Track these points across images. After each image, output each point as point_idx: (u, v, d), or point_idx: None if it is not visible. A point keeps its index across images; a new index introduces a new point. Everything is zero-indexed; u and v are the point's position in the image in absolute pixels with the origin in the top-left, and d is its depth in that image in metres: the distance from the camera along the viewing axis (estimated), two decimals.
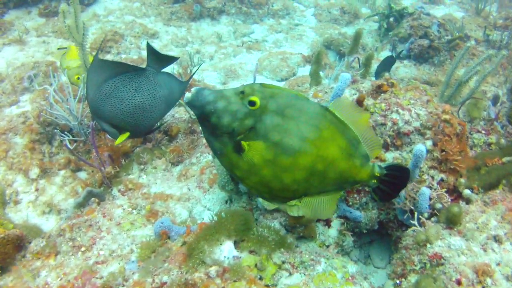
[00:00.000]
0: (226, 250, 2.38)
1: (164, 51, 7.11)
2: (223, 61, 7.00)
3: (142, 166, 3.82)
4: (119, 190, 3.66)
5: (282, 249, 2.54)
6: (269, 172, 1.98)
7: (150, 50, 3.52)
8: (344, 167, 2.08)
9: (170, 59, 3.61)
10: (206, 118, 1.97)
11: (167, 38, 7.46)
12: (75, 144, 4.36)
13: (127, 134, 3.53)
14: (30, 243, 3.35)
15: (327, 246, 3.01)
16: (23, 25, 7.33)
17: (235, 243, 2.48)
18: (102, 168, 3.86)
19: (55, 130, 4.27)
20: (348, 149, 2.07)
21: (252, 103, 1.94)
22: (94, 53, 4.84)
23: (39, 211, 4.09)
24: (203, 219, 3.13)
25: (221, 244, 2.41)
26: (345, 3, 9.18)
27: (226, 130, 1.96)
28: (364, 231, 3.27)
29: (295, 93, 2.02)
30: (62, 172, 4.34)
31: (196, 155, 3.73)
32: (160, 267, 2.41)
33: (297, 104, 1.98)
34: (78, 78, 4.60)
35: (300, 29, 8.40)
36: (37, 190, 4.23)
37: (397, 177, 2.24)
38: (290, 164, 1.97)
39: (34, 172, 4.27)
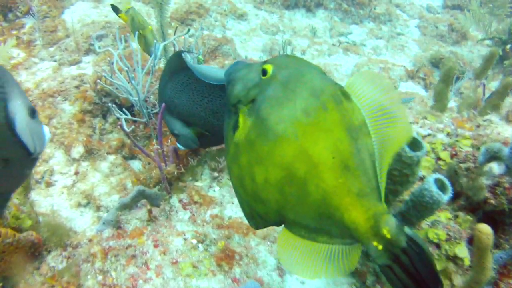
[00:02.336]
0: None
1: (251, 35, 6.06)
2: (316, 58, 5.87)
3: (216, 174, 2.73)
4: (180, 200, 2.60)
5: None
6: (245, 160, 1.41)
7: None
8: (330, 183, 1.23)
9: None
10: (226, 88, 1.58)
11: (256, 22, 6.36)
12: (133, 126, 3.33)
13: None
14: (50, 252, 2.35)
15: None
16: None
17: None
18: (163, 164, 2.81)
19: (110, 104, 3.24)
20: (346, 156, 1.24)
21: (264, 72, 1.45)
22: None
23: (73, 202, 3.08)
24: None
25: None
26: (454, 20, 7.91)
27: (233, 101, 1.51)
28: None
29: (315, 66, 1.44)
30: (112, 157, 3.29)
31: None
32: None
33: (307, 76, 1.36)
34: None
35: (402, 39, 7.17)
36: (76, 173, 3.21)
37: (418, 260, 1.17)
38: (266, 152, 1.33)
39: (78, 150, 3.26)
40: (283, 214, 1.34)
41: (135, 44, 3.35)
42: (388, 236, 1.16)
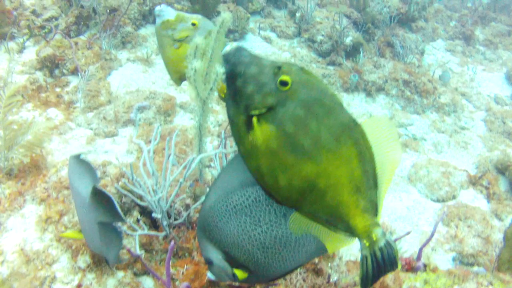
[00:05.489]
0: None
1: None
2: None
3: None
4: None
5: None
6: (266, 163, 1.58)
7: None
8: (345, 199, 1.58)
9: None
10: (233, 79, 1.61)
11: None
12: (143, 251, 2.91)
13: (246, 274, 2.05)
14: None
15: None
16: (156, 43, 6.19)
17: None
18: None
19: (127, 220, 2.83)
20: (359, 182, 1.57)
21: (283, 83, 1.55)
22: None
23: None
24: None
25: None
26: None
27: (246, 99, 1.58)
28: None
29: (331, 92, 1.60)
30: (121, 274, 2.85)
31: None
32: None
33: (328, 104, 1.56)
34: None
35: (467, 135, 6.57)
36: (79, 286, 2.79)
37: (387, 255, 1.58)
38: (291, 165, 1.55)
39: (85, 259, 2.84)
40: (299, 207, 1.62)
41: (171, 144, 2.94)
42: (375, 239, 1.55)
